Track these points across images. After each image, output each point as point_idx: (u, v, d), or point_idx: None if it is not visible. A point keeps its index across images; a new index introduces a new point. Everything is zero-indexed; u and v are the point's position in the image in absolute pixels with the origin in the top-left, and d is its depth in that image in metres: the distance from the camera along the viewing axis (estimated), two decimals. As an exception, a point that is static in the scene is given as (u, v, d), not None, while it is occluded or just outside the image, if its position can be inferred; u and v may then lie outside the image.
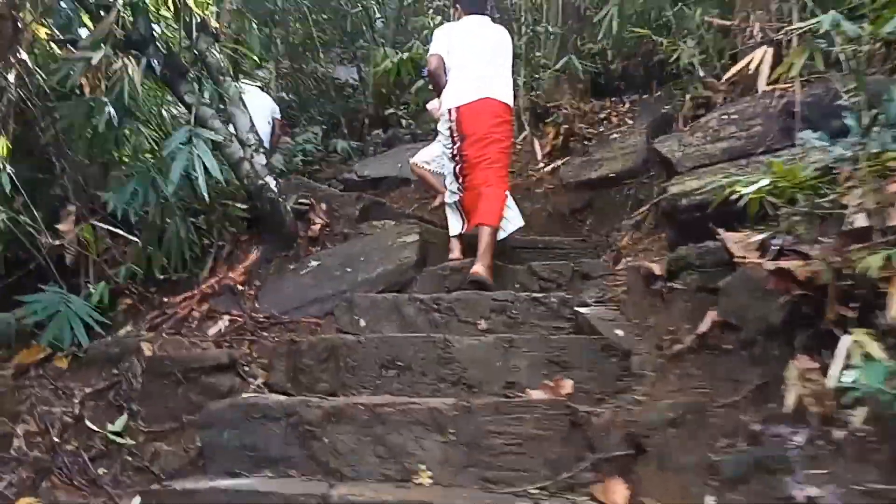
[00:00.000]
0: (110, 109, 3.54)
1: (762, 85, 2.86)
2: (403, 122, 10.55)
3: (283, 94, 12.09)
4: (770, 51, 2.85)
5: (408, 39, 11.18)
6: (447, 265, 3.60)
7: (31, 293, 3.34)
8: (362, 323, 3.10)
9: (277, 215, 3.94)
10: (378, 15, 10.65)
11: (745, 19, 4.10)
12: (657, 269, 2.61)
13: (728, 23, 4.15)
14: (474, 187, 3.90)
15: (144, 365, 2.74)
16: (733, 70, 2.96)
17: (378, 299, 3.16)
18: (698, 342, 2.12)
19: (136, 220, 3.75)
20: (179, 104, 4.08)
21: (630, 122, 5.68)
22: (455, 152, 3.98)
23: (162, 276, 3.87)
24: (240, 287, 3.64)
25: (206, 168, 3.46)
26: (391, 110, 10.70)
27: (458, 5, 4.34)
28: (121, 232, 3.37)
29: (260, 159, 3.99)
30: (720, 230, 2.66)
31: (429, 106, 5.42)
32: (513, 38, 6.45)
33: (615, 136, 5.46)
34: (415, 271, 3.62)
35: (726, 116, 3.73)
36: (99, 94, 3.59)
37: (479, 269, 3.47)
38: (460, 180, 3.99)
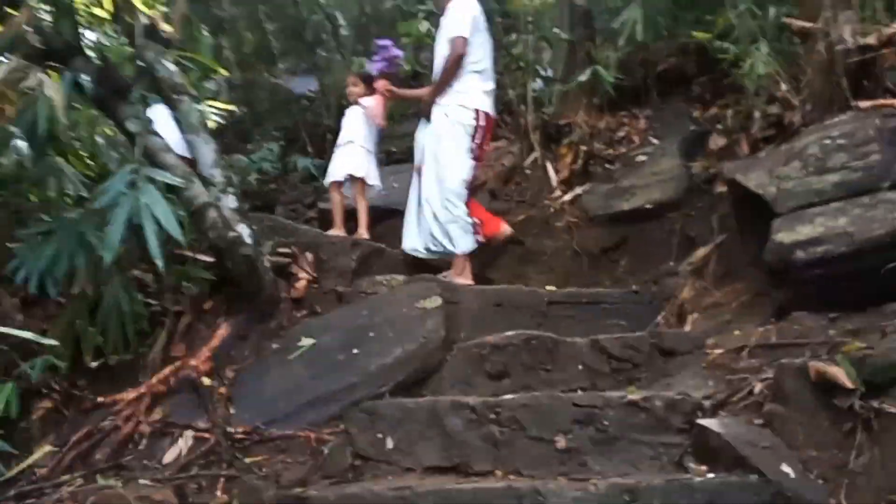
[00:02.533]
0: (19, 142, 2.56)
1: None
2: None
3: (234, 107, 11.03)
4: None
5: (369, 48, 10.31)
6: (485, 341, 2.73)
7: None
8: (389, 443, 2.19)
9: (254, 276, 3.00)
10: (342, 22, 9.72)
11: (829, 21, 3.37)
12: (844, 378, 1.79)
13: (810, 25, 3.41)
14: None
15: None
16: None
17: (410, 407, 2.26)
18: None
19: (58, 289, 2.77)
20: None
21: (654, 140, 4.92)
22: (476, 155, 3.82)
23: (95, 363, 2.89)
24: (205, 380, 2.67)
25: (157, 222, 2.52)
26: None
27: None
28: (28, 334, 2.32)
29: (229, 201, 3.04)
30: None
31: (366, 102, 4.64)
32: (514, 47, 5.70)
33: (642, 158, 4.69)
34: (443, 351, 2.73)
35: (830, 140, 2.97)
36: (6, 122, 2.62)
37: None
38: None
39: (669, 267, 3.83)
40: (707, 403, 2.18)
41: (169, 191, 2.76)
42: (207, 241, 2.95)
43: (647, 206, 4.18)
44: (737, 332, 2.83)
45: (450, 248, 3.69)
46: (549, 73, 5.51)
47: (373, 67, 4.71)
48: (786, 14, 3.63)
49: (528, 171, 4.95)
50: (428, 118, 3.84)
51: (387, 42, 4.76)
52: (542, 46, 5.71)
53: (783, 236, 2.69)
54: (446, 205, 3.69)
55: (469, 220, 3.73)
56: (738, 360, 2.43)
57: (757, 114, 3.57)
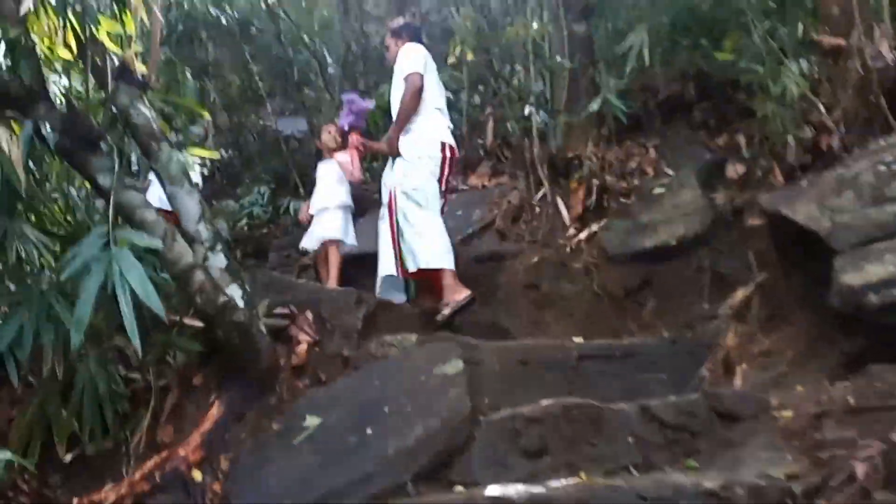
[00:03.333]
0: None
1: None
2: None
3: (222, 151, 10.74)
4: None
5: (357, 86, 10.14)
6: (518, 412, 2.37)
7: None
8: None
9: (249, 344, 2.64)
10: (330, 61, 9.50)
11: (861, 37, 3.12)
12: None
13: (842, 42, 3.16)
14: None
15: None
16: None
17: (442, 505, 1.90)
18: None
19: (22, 372, 2.40)
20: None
21: (669, 171, 4.63)
22: (442, 185, 3.93)
23: (70, 455, 2.51)
24: (196, 474, 2.30)
25: (133, 292, 2.17)
26: (349, 164, 9.52)
27: (403, 34, 4.15)
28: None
29: (218, 260, 2.70)
30: None
31: (340, 157, 4.61)
32: (513, 78, 5.46)
33: (659, 190, 4.39)
34: (469, 426, 2.37)
35: (884, 167, 2.68)
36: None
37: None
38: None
39: (704, 309, 3.52)
40: (797, 489, 1.82)
41: (149, 252, 2.42)
42: (194, 306, 2.59)
43: (672, 242, 3.87)
44: (800, 388, 2.51)
45: (434, 264, 3.72)
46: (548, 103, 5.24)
47: (342, 122, 4.73)
48: (810, 31, 3.39)
49: (537, 209, 4.64)
50: (394, 158, 3.92)
51: (353, 95, 4.82)
52: (536, 76, 5.49)
53: (851, 278, 2.38)
54: (427, 222, 3.78)
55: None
56: (818, 428, 2.09)
57: (790, 139, 3.29)
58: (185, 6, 8.87)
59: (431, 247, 3.70)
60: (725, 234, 3.80)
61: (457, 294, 3.61)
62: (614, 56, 5.26)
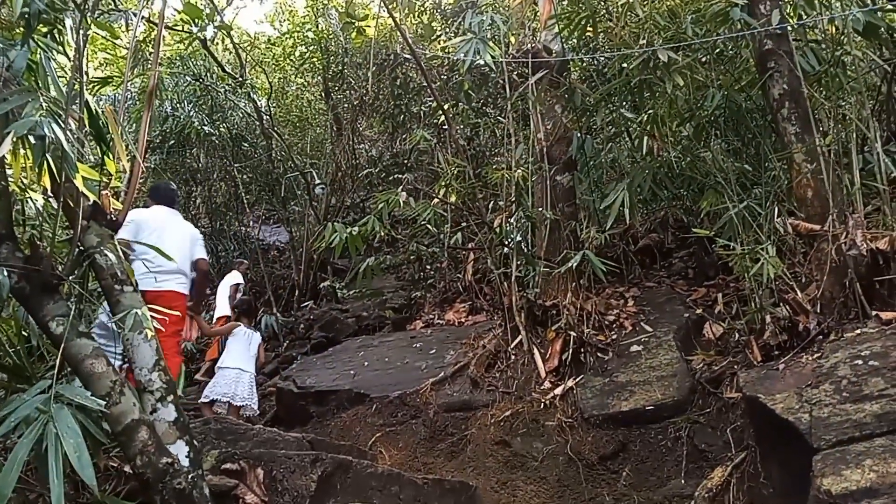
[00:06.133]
0: None
1: None
2: (339, 293, 9.32)
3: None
4: None
5: (340, 202, 10.31)
6: None
7: None
8: None
9: (188, 515, 2.41)
10: (318, 181, 9.66)
11: (836, 224, 3.18)
12: None
13: (817, 228, 3.22)
14: None
15: None
16: None
17: None
18: None
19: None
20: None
21: (647, 328, 4.58)
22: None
23: None
24: None
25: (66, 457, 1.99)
26: (327, 282, 9.49)
27: (151, 197, 4.72)
28: None
29: (167, 413, 2.53)
30: None
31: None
32: (494, 220, 5.51)
33: (637, 347, 4.33)
34: None
35: (861, 361, 2.64)
36: None
37: None
38: None
39: (681, 486, 3.35)
40: None
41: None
42: (134, 468, 2.39)
43: (649, 407, 3.75)
44: None
45: None
46: (531, 249, 5.27)
47: None
48: (787, 212, 3.47)
49: (512, 357, 4.54)
50: None
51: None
52: (517, 221, 5.56)
53: (830, 483, 2.26)
54: None
55: None
56: None
57: (768, 318, 3.27)
58: (182, 119, 9.11)
59: None
60: (703, 402, 3.70)
61: None
62: (595, 208, 5.38)
